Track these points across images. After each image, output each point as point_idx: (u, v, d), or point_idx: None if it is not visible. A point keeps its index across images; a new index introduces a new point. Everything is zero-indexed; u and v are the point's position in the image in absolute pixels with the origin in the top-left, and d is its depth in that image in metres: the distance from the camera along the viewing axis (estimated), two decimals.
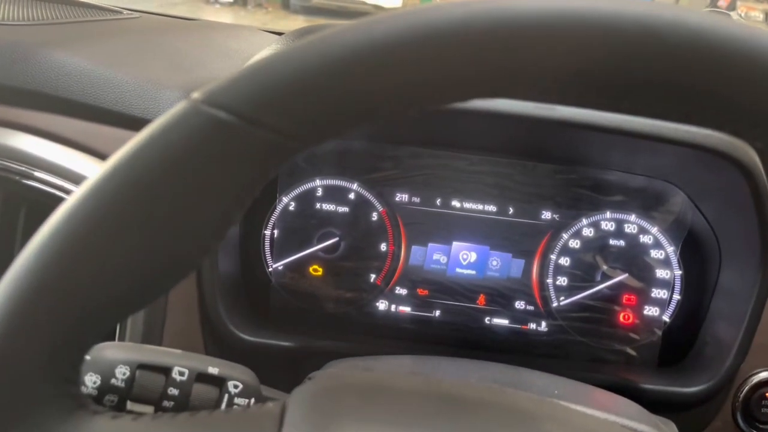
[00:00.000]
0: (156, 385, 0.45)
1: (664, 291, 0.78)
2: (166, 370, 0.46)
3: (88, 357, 0.44)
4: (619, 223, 0.78)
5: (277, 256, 0.80)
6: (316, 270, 0.81)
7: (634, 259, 0.78)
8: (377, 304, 0.81)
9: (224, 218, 0.31)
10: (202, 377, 0.46)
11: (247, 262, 0.79)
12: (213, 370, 0.47)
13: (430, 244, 0.80)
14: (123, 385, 0.44)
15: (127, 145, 0.30)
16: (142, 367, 0.45)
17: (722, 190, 0.68)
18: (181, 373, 0.46)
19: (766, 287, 0.67)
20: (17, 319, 0.30)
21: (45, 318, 0.30)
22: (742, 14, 8.42)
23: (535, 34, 0.26)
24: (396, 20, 0.28)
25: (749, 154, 0.61)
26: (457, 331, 0.80)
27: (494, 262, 0.80)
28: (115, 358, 0.45)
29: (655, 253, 0.78)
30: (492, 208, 0.80)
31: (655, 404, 0.66)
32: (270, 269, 0.81)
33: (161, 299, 0.70)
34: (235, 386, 0.47)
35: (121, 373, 0.44)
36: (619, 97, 0.28)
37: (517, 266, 0.80)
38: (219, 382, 0.47)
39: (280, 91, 0.28)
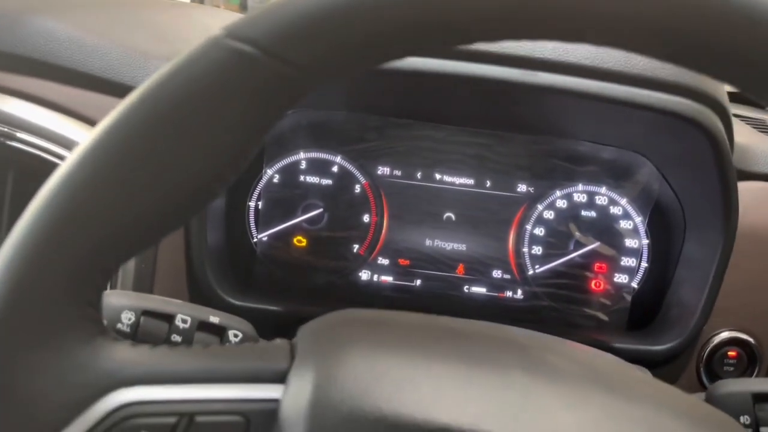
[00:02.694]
0: (160, 331, 0.46)
1: (633, 259, 0.82)
2: (169, 318, 0.47)
3: None
4: (591, 195, 0.82)
5: (261, 228, 0.82)
6: (300, 241, 0.82)
7: (604, 229, 0.82)
8: (360, 274, 0.83)
9: (242, 150, 0.33)
10: (204, 326, 0.48)
11: (232, 234, 0.80)
12: (214, 319, 0.49)
13: (411, 216, 0.83)
14: (128, 330, 0.45)
15: (152, 77, 0.32)
16: (147, 313, 0.47)
17: (688, 159, 0.72)
18: (184, 321, 0.48)
19: (728, 253, 0.71)
20: (46, 243, 0.31)
21: (71, 242, 0.31)
22: None
23: None
24: None
25: (713, 120, 0.65)
26: (436, 299, 0.83)
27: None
28: (121, 304, 0.46)
29: (624, 224, 0.82)
30: (470, 181, 0.83)
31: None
32: (255, 240, 0.82)
33: (149, 268, 0.71)
34: (235, 335, 0.49)
35: (127, 318, 0.46)
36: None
37: (494, 236, 0.83)
38: (219, 330, 0.48)
39: (298, 27, 0.31)
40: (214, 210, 0.76)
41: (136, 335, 0.46)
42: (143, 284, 0.69)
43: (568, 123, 0.77)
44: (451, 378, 0.34)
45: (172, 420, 0.32)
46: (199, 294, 0.72)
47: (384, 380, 0.33)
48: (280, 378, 0.34)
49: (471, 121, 0.79)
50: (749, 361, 0.76)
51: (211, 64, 0.31)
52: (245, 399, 0.34)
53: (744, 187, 0.75)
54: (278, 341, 0.39)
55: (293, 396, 0.33)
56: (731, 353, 0.75)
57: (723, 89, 0.68)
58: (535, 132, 0.80)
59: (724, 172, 0.66)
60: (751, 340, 0.75)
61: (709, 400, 0.53)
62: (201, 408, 0.33)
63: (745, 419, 0.53)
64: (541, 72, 0.63)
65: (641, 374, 0.42)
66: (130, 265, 0.69)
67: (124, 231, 0.33)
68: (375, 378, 0.33)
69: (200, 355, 0.37)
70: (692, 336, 0.73)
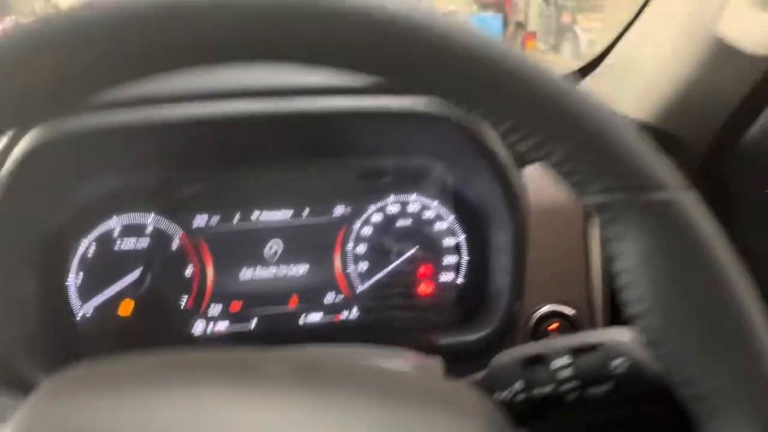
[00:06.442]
0: None
1: (453, 256, 0.85)
2: None
3: None
4: (403, 204, 0.85)
5: (83, 303, 0.80)
6: (125, 308, 0.81)
7: (421, 233, 0.85)
8: (193, 328, 0.82)
9: None
10: None
11: (49, 317, 0.78)
12: None
13: (235, 259, 0.84)
14: None
15: None
16: None
17: (462, 154, 0.76)
18: None
19: (521, 232, 0.75)
20: None
21: None
22: (584, 27, 9.14)
23: None
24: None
25: (467, 116, 0.69)
26: (275, 335, 0.83)
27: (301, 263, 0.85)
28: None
29: (439, 225, 0.86)
30: (288, 212, 0.84)
31: (455, 357, 0.73)
32: (77, 318, 0.80)
33: None
34: None
35: None
36: None
37: (321, 262, 0.85)
38: None
39: None
40: (24, 298, 0.74)
41: None
42: None
43: (359, 141, 0.80)
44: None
45: None
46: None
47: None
48: None
49: (272, 155, 0.80)
50: (573, 330, 0.80)
51: None
52: None
53: (535, 167, 0.80)
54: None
55: None
56: (552, 327, 0.79)
57: None
58: (335, 155, 0.83)
59: (492, 160, 0.71)
60: (567, 310, 0.79)
61: (489, 375, 0.56)
62: None
63: (520, 384, 0.56)
64: (289, 101, 0.66)
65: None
66: None
67: None
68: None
69: None
70: (507, 317, 0.76)
